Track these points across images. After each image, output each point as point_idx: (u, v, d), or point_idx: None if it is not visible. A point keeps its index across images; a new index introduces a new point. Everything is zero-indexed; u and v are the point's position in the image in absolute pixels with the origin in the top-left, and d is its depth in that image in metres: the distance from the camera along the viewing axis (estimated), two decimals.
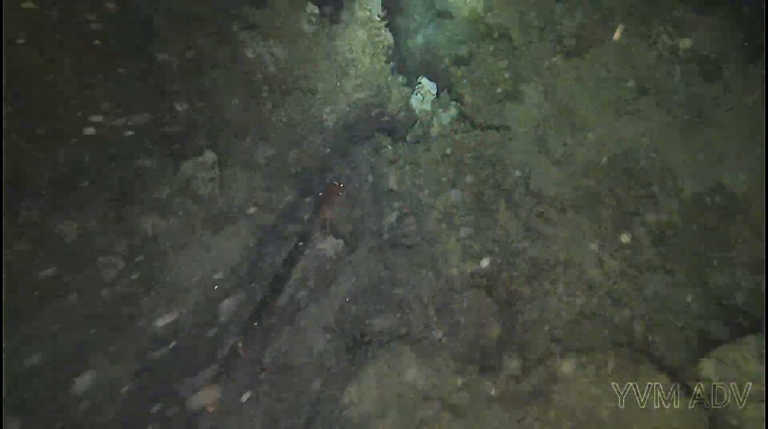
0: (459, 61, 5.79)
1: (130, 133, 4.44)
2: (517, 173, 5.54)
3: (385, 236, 5.30)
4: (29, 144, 4.20)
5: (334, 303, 4.79)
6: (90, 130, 4.26)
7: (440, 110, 4.99)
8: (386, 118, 5.65)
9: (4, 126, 3.92)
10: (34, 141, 4.08)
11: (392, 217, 5.23)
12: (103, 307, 3.84)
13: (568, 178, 5.14)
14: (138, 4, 4.72)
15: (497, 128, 5.31)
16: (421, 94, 5.10)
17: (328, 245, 4.27)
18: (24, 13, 4.03)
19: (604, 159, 5.05)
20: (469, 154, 4.71)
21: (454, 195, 4.61)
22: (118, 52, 4.57)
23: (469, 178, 4.74)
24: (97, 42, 4.43)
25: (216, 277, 4.53)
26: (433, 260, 4.99)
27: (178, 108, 4.89)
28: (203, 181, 4.53)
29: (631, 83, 4.88)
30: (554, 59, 5.17)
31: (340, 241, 4.64)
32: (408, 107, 5.26)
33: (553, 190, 5.16)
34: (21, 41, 4.01)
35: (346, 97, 5.14)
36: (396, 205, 5.09)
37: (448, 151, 4.75)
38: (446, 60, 6.02)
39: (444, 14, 6.34)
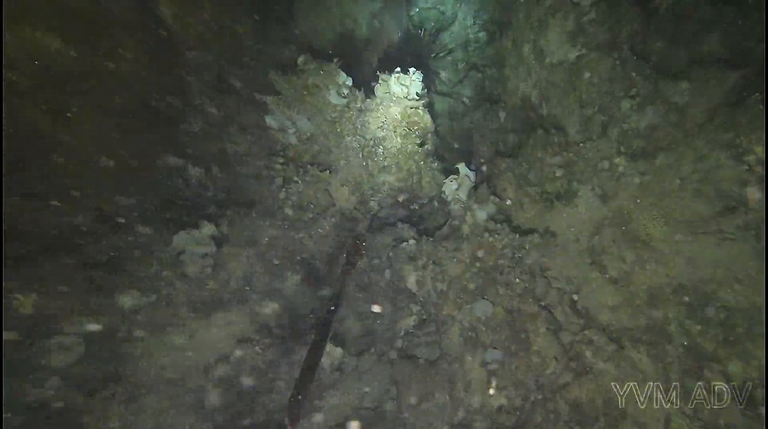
0: (504, 152, 5.22)
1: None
2: (563, 287, 4.72)
3: (398, 344, 4.52)
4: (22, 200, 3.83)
5: (325, 421, 3.96)
6: None
7: (476, 205, 4.35)
8: (414, 207, 5.06)
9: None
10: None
11: (408, 323, 4.47)
12: (40, 407, 3.20)
13: (626, 302, 4.26)
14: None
15: (542, 233, 4.58)
16: (457, 182, 4.51)
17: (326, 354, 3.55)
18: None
19: (673, 286, 4.16)
20: (505, 261, 3.98)
21: (483, 308, 3.83)
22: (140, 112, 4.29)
23: (501, 289, 3.97)
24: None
25: (193, 377, 3.84)
26: (450, 384, 4.13)
27: (192, 172, 4.50)
28: (196, 257, 3.99)
29: (712, 198, 4.09)
30: (617, 160, 4.49)
31: (339, 349, 3.90)
32: (441, 199, 4.67)
33: (605, 314, 4.28)
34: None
35: (371, 178, 4.62)
36: (414, 309, 4.34)
37: (480, 253, 4.05)
38: (490, 149, 5.48)
39: (493, 99, 5.90)
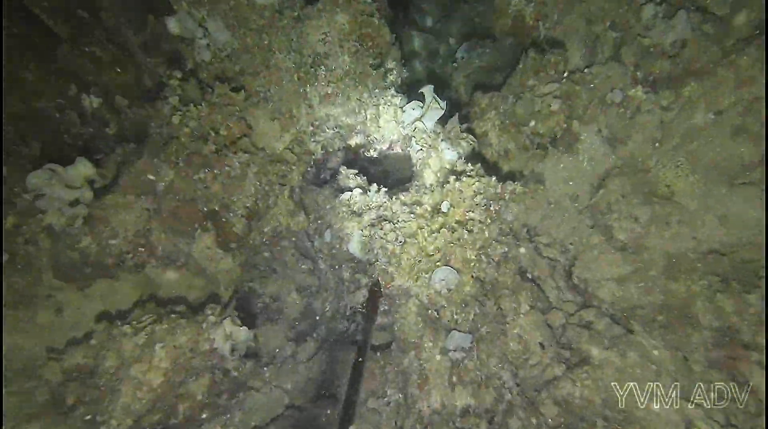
0: (488, 86, 4.17)
1: None
2: (555, 255, 3.74)
3: (343, 326, 3.57)
4: None
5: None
6: None
7: (444, 142, 3.33)
8: (372, 154, 4.03)
9: None
10: None
11: (356, 298, 3.51)
12: None
13: (636, 273, 3.30)
14: None
15: (530, 182, 3.58)
16: (421, 109, 3.49)
17: None
18: None
19: (701, 252, 3.19)
20: (478, 215, 2.98)
21: (446, 277, 2.86)
22: None
23: (472, 254, 2.98)
24: None
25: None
26: (404, 378, 3.19)
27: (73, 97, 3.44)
28: (61, 205, 2.96)
29: (758, 137, 3.08)
30: (632, 91, 3.46)
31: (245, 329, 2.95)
32: (405, 140, 3.64)
33: (609, 290, 3.32)
34: None
35: (310, 111, 3.58)
36: (361, 280, 3.37)
37: (446, 206, 3.04)
38: (468, 82, 4.42)
39: (481, 33, 4.82)
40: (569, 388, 3.01)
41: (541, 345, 3.02)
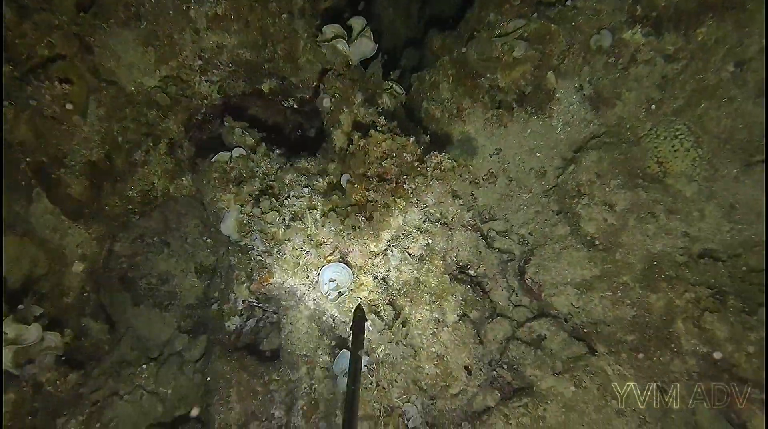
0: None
1: None
2: (506, 246, 3.01)
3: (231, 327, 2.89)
4: None
5: None
6: None
7: (360, 94, 2.53)
8: (288, 103, 3.22)
9: None
10: None
11: (241, 292, 2.79)
12: None
13: (606, 276, 2.57)
14: None
15: (477, 148, 2.83)
16: (342, 35, 2.68)
17: None
18: None
19: (693, 253, 2.47)
20: (381, 200, 2.21)
21: (342, 275, 2.12)
22: None
23: (375, 246, 2.23)
24: None
25: None
26: (290, 399, 2.50)
27: None
28: None
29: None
30: (627, 34, 2.68)
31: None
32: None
33: (569, 296, 2.60)
34: None
35: (195, 38, 2.74)
36: (241, 274, 2.65)
37: (344, 180, 2.26)
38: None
39: None
40: (499, 427, 2.31)
41: (467, 369, 2.30)
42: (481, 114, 3.34)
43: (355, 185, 2.15)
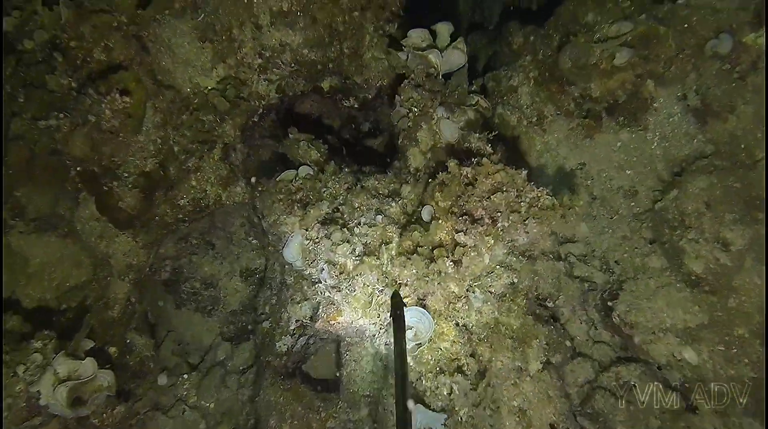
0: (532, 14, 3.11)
1: None
2: (590, 275, 2.76)
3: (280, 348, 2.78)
4: None
5: None
6: None
7: (442, 109, 2.29)
8: (349, 102, 3.02)
9: None
10: None
11: (299, 312, 2.67)
12: None
13: (717, 329, 2.29)
14: None
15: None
16: (430, 41, 2.45)
17: None
18: None
19: None
20: (471, 243, 1.98)
21: (417, 324, 1.93)
22: None
23: (458, 288, 2.01)
24: None
25: None
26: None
27: None
28: None
29: None
30: (750, 37, 2.33)
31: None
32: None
33: (669, 346, 2.33)
34: None
35: (257, 34, 2.55)
36: (297, 294, 2.49)
37: (427, 214, 2.05)
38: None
39: None
40: None
41: (552, 427, 2.10)
42: (564, 123, 3.05)
43: (441, 222, 1.93)
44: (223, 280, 3.86)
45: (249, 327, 3.80)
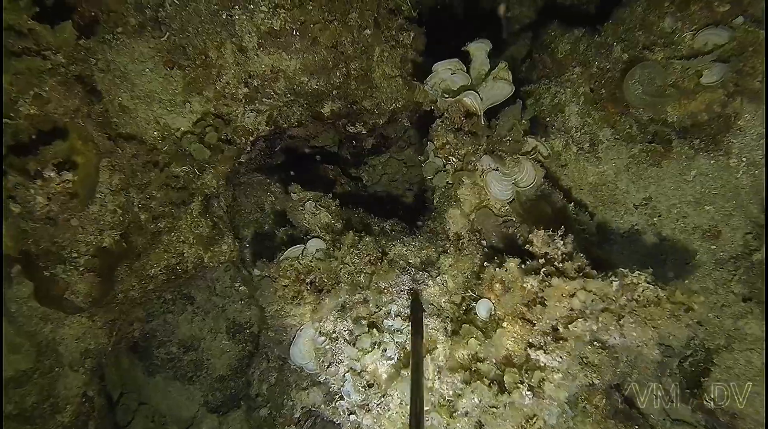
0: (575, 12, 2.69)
1: None
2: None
3: None
4: None
5: None
6: None
7: (488, 159, 1.84)
8: (356, 129, 2.59)
9: None
10: None
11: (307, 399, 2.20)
12: None
13: None
14: None
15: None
16: (462, 72, 1.99)
17: None
18: None
19: None
20: (552, 364, 1.53)
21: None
22: None
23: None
24: None
25: None
26: None
27: None
28: None
29: None
30: None
31: None
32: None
33: None
34: None
35: (242, 60, 2.07)
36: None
37: (485, 310, 1.59)
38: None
39: None
40: None
41: None
42: (624, 149, 2.61)
43: (507, 327, 1.49)
44: (207, 339, 3.42)
45: (239, 394, 3.38)
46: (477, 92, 1.97)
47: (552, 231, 1.54)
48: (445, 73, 2.06)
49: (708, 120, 2.37)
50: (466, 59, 2.20)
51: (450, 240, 1.91)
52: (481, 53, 2.07)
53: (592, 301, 1.42)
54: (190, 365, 3.40)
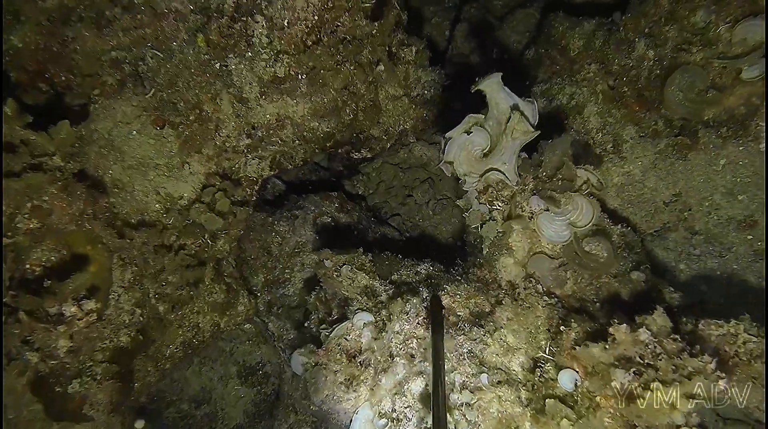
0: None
1: None
2: None
3: None
4: None
5: None
6: None
7: (536, 200, 1.77)
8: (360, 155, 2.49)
9: None
10: None
11: None
12: None
13: None
14: None
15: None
16: (480, 130, 1.89)
17: None
18: None
19: None
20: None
21: None
22: None
23: None
24: None
25: None
26: None
27: None
28: None
29: None
30: None
31: None
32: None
33: None
34: None
35: (243, 112, 1.90)
36: None
37: (569, 381, 1.54)
38: None
39: None
40: None
41: None
42: (651, 146, 2.58)
43: (601, 402, 1.42)
44: (218, 389, 3.30)
45: None
46: (502, 156, 1.86)
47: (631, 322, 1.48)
48: (461, 138, 1.95)
49: (746, 113, 2.35)
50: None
51: (503, 289, 1.84)
52: (496, 92, 1.94)
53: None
54: (204, 420, 3.29)
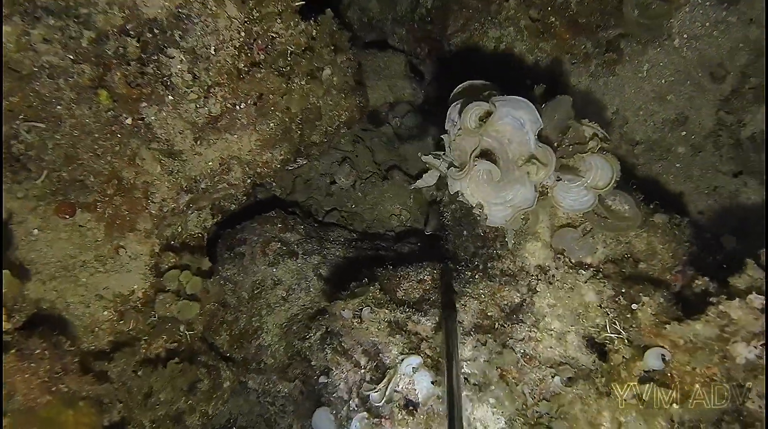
0: None
1: None
2: None
3: None
4: None
5: None
6: None
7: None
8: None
9: None
10: None
11: None
12: None
13: None
14: None
15: None
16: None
17: None
18: None
19: None
20: None
21: None
22: None
23: None
24: None
25: None
26: None
27: None
28: None
29: None
30: None
31: None
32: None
33: None
34: None
35: (175, 165, 1.57)
36: None
37: None
38: None
39: None
40: None
41: None
42: (584, 70, 2.61)
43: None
44: None
45: None
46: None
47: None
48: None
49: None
50: None
51: (532, 275, 1.77)
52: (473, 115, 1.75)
53: None
54: None
